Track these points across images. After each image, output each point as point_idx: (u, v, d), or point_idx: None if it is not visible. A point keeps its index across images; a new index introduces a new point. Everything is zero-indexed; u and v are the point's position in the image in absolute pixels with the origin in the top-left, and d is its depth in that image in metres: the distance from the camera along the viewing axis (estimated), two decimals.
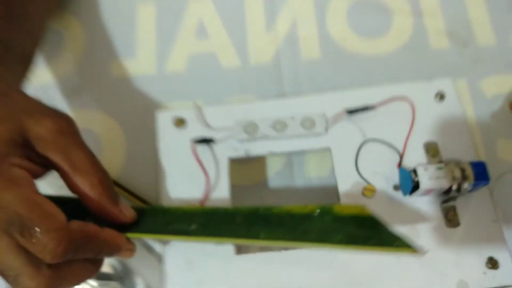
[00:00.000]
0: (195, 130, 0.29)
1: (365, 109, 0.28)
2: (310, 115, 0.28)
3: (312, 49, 0.37)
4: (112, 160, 0.34)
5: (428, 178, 0.24)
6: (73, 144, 0.22)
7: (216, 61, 0.37)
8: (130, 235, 0.22)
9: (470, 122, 0.35)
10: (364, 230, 0.19)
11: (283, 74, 0.37)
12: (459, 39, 0.37)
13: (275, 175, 0.33)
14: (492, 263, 0.25)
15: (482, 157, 0.34)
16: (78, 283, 0.22)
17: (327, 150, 0.28)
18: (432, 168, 0.25)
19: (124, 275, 0.31)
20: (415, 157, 0.27)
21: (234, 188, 0.29)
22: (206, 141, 0.28)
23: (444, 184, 0.24)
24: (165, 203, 0.27)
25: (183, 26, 0.38)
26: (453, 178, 0.24)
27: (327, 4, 0.39)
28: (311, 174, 0.32)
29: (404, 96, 0.29)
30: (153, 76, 0.37)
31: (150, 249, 0.32)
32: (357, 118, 0.29)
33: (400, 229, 0.26)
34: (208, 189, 0.27)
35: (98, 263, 0.23)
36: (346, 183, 0.27)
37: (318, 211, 0.21)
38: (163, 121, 0.29)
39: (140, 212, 0.23)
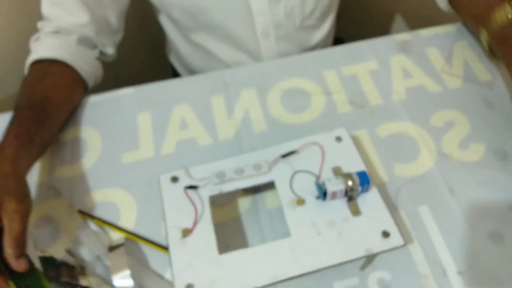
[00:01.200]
0: (185, 182, 0.43)
1: (291, 153, 0.44)
2: (258, 162, 0.44)
3: (260, 125, 0.54)
4: (128, 219, 0.48)
5: (331, 185, 0.39)
6: (17, 219, 0.38)
7: (195, 143, 0.54)
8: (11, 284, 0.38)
9: (371, 154, 0.50)
10: None
11: (242, 144, 0.53)
12: (358, 104, 0.55)
13: (245, 211, 0.47)
14: (385, 234, 0.38)
15: (383, 176, 0.49)
16: None
17: (272, 182, 0.43)
18: (333, 179, 0.40)
19: None
20: (326, 177, 0.42)
21: (218, 224, 0.43)
22: (193, 187, 0.43)
23: (341, 186, 0.39)
24: (169, 231, 0.40)
25: (170, 123, 0.55)
26: (346, 182, 0.39)
27: (266, 96, 0.57)
28: (270, 207, 0.47)
29: (316, 142, 0.45)
30: (152, 159, 0.53)
31: (161, 276, 0.44)
32: (288, 159, 0.44)
33: (323, 222, 0.40)
34: (197, 218, 0.41)
35: None
36: (286, 199, 0.41)
37: None
38: (164, 180, 0.44)
39: (31, 268, 0.39)
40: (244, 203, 0.48)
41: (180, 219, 0.41)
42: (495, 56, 0.52)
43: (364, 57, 0.59)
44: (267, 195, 0.48)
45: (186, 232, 0.40)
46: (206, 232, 0.40)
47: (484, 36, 0.51)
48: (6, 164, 0.41)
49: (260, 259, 0.38)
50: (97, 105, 0.58)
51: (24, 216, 0.39)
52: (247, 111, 0.56)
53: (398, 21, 0.66)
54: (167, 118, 0.56)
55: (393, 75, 0.58)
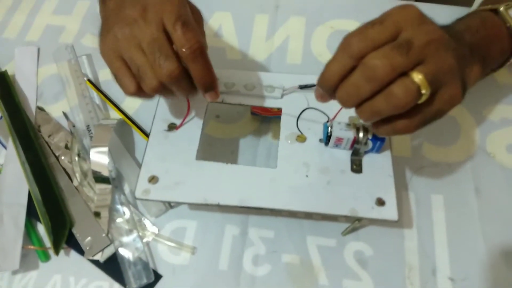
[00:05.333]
0: None
1: (312, 85, 0.39)
2: (272, 84, 0.39)
3: (295, 57, 0.49)
4: (131, 104, 0.46)
5: (339, 129, 0.34)
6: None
7: (223, 53, 0.50)
8: None
9: None
10: None
11: (271, 70, 0.48)
12: None
13: (246, 134, 0.43)
14: (380, 202, 0.33)
15: (406, 150, 0.43)
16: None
17: (279, 108, 0.38)
18: (343, 124, 0.34)
19: (116, 178, 0.41)
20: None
21: (213, 137, 0.39)
22: None
23: (350, 135, 0.34)
24: (156, 121, 0.38)
25: (206, 25, 0.52)
26: (357, 131, 0.34)
27: (314, 30, 0.51)
28: (272, 140, 0.43)
29: None
30: None
31: (140, 165, 0.42)
32: (305, 92, 0.39)
33: (317, 166, 0.35)
34: (186, 117, 0.37)
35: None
36: (287, 131, 0.37)
37: None
38: None
39: None
40: (248, 126, 0.44)
41: (171, 114, 0.38)
42: None
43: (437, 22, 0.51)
44: (275, 128, 0.44)
45: (171, 127, 0.37)
46: (191, 135, 0.37)
47: None
48: None
49: (234, 179, 0.34)
50: None
51: None
52: (287, 39, 0.51)
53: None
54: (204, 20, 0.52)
55: None
